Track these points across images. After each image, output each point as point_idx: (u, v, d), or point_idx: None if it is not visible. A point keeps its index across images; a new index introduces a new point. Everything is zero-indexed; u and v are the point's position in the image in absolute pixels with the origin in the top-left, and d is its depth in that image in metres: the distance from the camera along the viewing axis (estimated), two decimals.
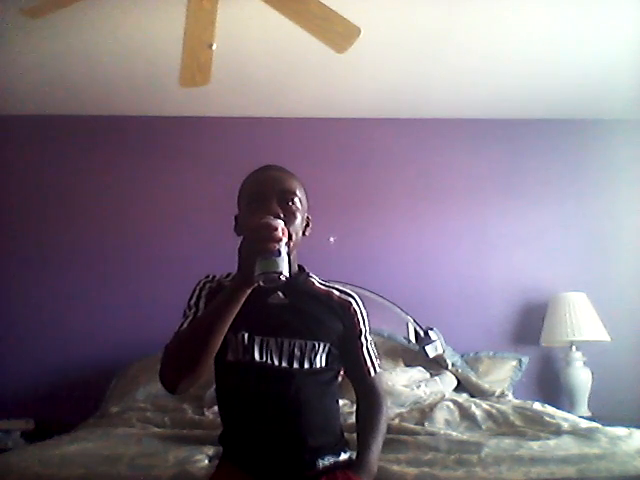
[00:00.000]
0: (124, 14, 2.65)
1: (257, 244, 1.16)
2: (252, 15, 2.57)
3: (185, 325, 1.31)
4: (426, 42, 2.92)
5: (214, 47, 2.42)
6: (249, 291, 1.20)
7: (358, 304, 1.49)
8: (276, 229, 1.18)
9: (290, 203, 1.38)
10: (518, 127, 3.68)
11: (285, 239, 1.18)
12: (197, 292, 1.39)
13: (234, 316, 1.21)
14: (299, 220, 1.39)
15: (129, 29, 2.77)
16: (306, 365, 1.36)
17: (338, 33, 2.37)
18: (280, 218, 1.29)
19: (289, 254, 1.20)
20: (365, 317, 1.49)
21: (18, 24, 2.59)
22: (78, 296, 3.35)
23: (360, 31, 2.35)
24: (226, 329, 1.22)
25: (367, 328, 1.49)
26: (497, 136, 3.68)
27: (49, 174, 3.51)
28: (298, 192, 1.41)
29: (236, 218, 1.47)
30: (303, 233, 1.44)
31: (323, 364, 1.39)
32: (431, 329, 3.03)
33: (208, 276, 1.44)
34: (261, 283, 1.16)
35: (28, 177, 3.50)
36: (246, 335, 1.34)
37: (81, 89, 3.32)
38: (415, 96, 3.45)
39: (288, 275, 1.16)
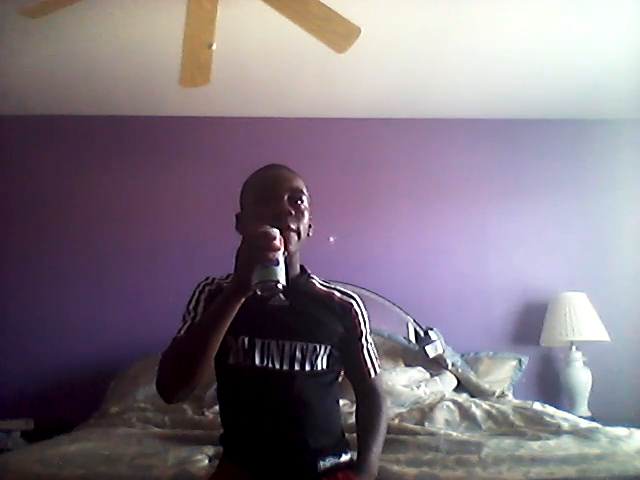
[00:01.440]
0: (124, 14, 2.65)
1: (256, 253, 1.15)
2: (252, 15, 2.57)
3: (182, 331, 1.31)
4: (426, 42, 2.92)
5: (214, 47, 2.42)
6: (244, 299, 1.19)
7: (359, 305, 1.48)
8: (275, 238, 1.17)
9: (299, 202, 1.38)
10: (518, 127, 3.68)
11: (282, 249, 1.18)
12: (196, 296, 1.39)
13: (229, 323, 1.21)
14: (306, 219, 1.39)
15: (129, 29, 2.77)
16: (307, 367, 1.36)
17: (338, 33, 2.37)
18: (291, 215, 1.31)
19: (287, 263, 1.20)
20: (366, 319, 1.48)
21: (18, 24, 2.59)
22: (78, 296, 3.35)
23: (360, 31, 2.35)
24: (221, 336, 1.21)
25: (368, 330, 1.48)
26: (497, 136, 3.68)
27: (49, 174, 3.51)
28: (305, 191, 1.41)
29: (237, 216, 1.46)
30: (307, 234, 1.43)
31: (324, 366, 1.39)
32: (431, 329, 3.03)
33: (207, 278, 1.43)
34: (258, 292, 1.16)
35: (28, 177, 3.50)
36: (246, 339, 1.34)
37: (81, 89, 3.31)
38: (415, 96, 3.45)
39: (285, 284, 1.15)
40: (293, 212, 1.34)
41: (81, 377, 3.18)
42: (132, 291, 3.37)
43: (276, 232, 1.19)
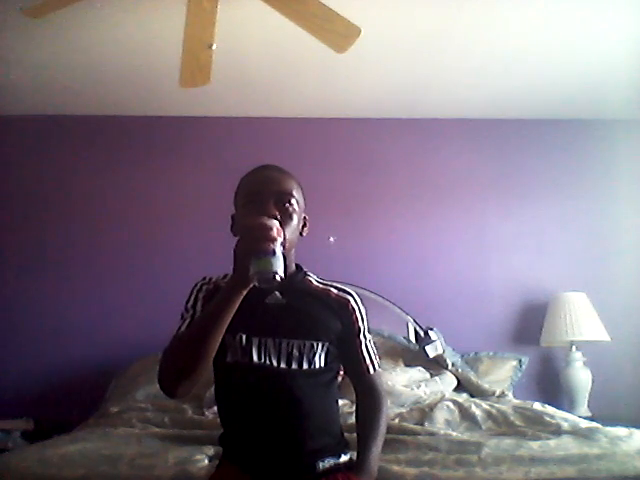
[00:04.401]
0: (124, 14, 2.65)
1: (252, 244, 1.16)
2: (252, 15, 2.57)
3: (183, 328, 1.31)
4: (426, 42, 2.92)
5: (214, 47, 2.42)
6: (245, 292, 1.20)
7: (356, 301, 1.48)
8: (271, 229, 1.18)
9: (287, 204, 1.37)
10: (518, 127, 3.68)
11: (280, 239, 1.18)
12: (194, 294, 1.39)
13: (230, 318, 1.21)
14: (295, 221, 1.39)
15: (129, 29, 2.77)
16: (305, 365, 1.36)
17: (338, 33, 2.37)
18: (277, 219, 1.28)
19: (285, 254, 1.19)
20: (364, 315, 1.48)
21: (18, 24, 2.59)
22: (78, 296, 3.35)
23: (360, 31, 2.35)
24: (223, 331, 1.22)
25: (366, 326, 1.48)
26: (497, 136, 3.68)
27: (49, 174, 3.51)
28: (295, 193, 1.41)
29: (232, 218, 1.46)
30: (300, 233, 1.43)
31: (322, 364, 1.38)
32: (431, 329, 3.03)
33: (205, 278, 1.43)
34: (256, 283, 1.16)
35: (28, 177, 3.50)
36: (244, 336, 1.34)
37: (81, 89, 3.32)
38: (415, 96, 3.45)
39: (283, 275, 1.15)
40: (279, 216, 1.33)
41: (81, 377, 3.18)
42: (132, 291, 3.37)
43: (274, 223, 1.20)
